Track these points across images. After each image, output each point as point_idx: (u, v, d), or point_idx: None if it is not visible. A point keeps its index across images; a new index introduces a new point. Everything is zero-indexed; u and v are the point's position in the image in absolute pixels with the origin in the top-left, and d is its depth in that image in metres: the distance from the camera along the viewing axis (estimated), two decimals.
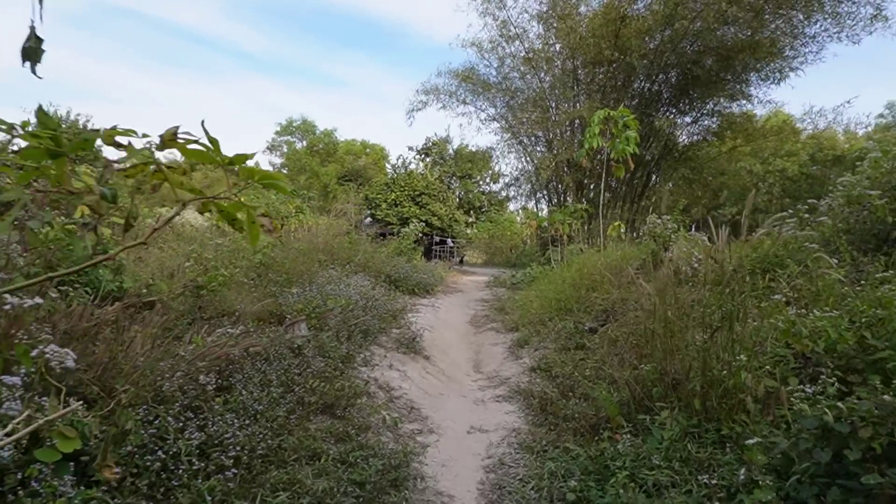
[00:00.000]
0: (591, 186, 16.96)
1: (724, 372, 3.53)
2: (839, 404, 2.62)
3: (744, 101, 16.99)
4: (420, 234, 20.68)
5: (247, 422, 3.57)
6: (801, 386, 3.12)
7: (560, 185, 18.34)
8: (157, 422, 3.08)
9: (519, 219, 36.17)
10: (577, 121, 17.01)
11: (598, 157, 14.29)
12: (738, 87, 16.39)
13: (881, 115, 31.24)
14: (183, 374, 3.65)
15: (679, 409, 3.81)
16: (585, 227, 13.84)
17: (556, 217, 12.72)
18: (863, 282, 4.79)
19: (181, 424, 3.17)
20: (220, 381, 4.04)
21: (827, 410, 2.59)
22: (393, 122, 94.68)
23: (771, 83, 16.12)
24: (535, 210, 23.15)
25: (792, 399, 3.08)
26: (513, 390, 5.88)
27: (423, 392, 5.92)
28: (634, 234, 13.88)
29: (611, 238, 10.95)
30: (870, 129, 23.85)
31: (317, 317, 6.47)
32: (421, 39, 78.72)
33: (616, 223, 11.31)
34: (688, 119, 18.36)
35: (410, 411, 5.21)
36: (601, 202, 12.16)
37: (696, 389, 3.72)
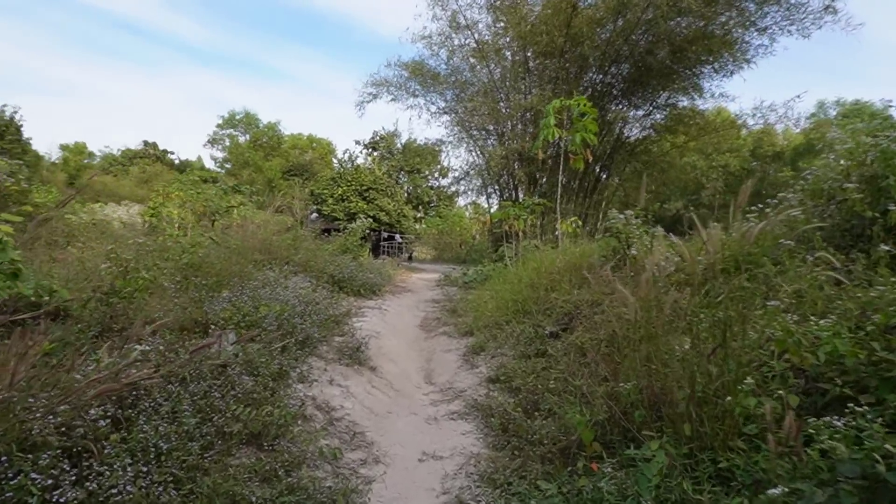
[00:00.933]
0: (544, 181, 16.53)
1: (728, 398, 2.95)
2: (887, 446, 2.09)
3: (696, 95, 17.00)
4: (368, 230, 19.82)
5: (145, 468, 2.81)
6: (828, 418, 2.55)
7: (512, 180, 17.85)
8: (17, 479, 2.36)
9: (468, 214, 35.76)
10: (528, 114, 16.51)
11: (553, 149, 13.85)
12: (691, 79, 16.33)
13: (814, 114, 32.84)
14: (70, 408, 2.88)
15: (665, 434, 3.24)
16: (539, 223, 13.36)
17: (512, 212, 12.14)
18: (850, 282, 4.40)
19: (52, 481, 2.45)
20: (119, 411, 3.25)
21: (878, 458, 2.03)
22: (340, 117, 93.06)
23: (723, 76, 16.15)
24: (487, 205, 22.67)
25: (811, 430, 2.55)
26: (469, 405, 5.26)
27: (368, 411, 5.18)
28: (588, 230, 13.51)
29: (566, 234, 10.46)
30: (803, 125, 24.88)
31: (247, 326, 5.62)
32: (367, 33, 77.63)
33: (572, 218, 10.82)
34: (640, 112, 18.29)
35: (353, 437, 4.49)
36: (557, 197, 11.67)
37: (688, 412, 3.15)
